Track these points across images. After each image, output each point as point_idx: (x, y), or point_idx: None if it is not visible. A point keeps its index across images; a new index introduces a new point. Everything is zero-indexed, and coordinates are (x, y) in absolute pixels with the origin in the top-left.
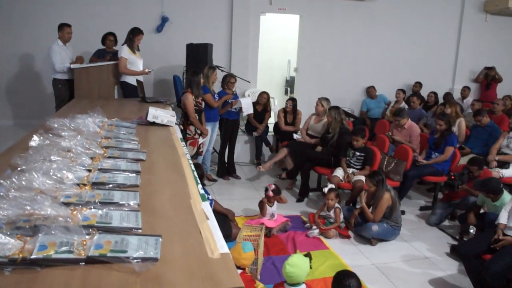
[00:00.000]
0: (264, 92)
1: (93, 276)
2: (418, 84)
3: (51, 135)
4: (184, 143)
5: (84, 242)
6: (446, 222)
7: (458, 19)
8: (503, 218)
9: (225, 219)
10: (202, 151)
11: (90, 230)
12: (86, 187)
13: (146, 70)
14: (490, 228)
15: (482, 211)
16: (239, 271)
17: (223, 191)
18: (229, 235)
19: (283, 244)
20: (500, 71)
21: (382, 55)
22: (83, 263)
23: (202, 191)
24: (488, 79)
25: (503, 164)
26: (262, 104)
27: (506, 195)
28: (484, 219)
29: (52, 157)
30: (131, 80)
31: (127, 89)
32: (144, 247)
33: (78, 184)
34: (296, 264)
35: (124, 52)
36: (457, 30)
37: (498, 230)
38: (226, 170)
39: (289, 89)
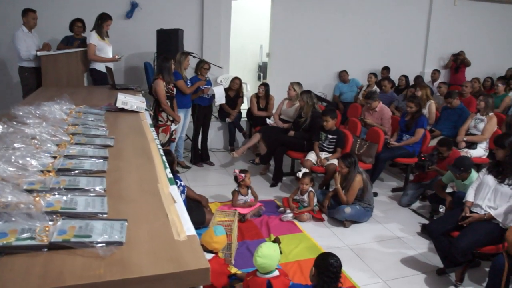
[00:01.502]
0: (236, 78)
1: (55, 262)
2: (386, 70)
3: (15, 123)
4: (153, 128)
5: (47, 228)
6: (418, 203)
7: (428, 4)
8: (470, 196)
9: (198, 206)
10: (174, 138)
11: (54, 216)
12: (51, 174)
13: (116, 57)
14: (459, 206)
15: (450, 190)
16: (212, 255)
17: (197, 178)
18: (202, 221)
19: (257, 228)
20: (469, 55)
21: (354, 39)
22: (45, 250)
23: (170, 175)
24: (457, 62)
25: (471, 145)
26: (235, 90)
27: (474, 173)
28: (453, 197)
29: (15, 145)
30: (101, 67)
31: (96, 76)
32: (109, 231)
33: (42, 171)
34: (266, 255)
35: (93, 38)
36: (427, 14)
37: (465, 208)
38: (200, 156)
39: (262, 74)
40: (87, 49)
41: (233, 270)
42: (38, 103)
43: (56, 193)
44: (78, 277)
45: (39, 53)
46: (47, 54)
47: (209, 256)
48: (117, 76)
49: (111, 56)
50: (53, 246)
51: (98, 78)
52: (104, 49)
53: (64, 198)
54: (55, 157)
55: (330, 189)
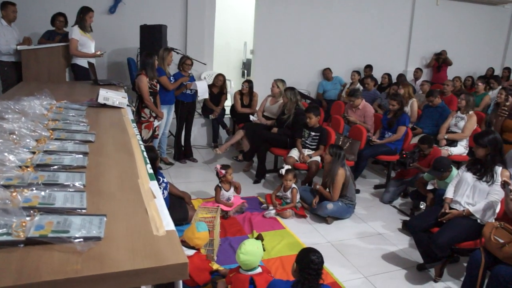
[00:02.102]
0: (220, 75)
1: (32, 258)
2: (368, 69)
3: None
4: (135, 124)
5: (24, 224)
6: (399, 200)
7: (411, 3)
8: (449, 193)
9: (181, 202)
10: (157, 134)
11: (31, 211)
12: (29, 169)
13: (98, 53)
14: (440, 203)
15: (431, 187)
16: (194, 251)
17: (180, 174)
18: (185, 218)
19: (240, 225)
20: (450, 55)
21: (338, 37)
22: (22, 245)
23: (150, 171)
24: (439, 61)
25: (451, 143)
26: (218, 86)
27: (454, 171)
28: (435, 195)
29: None
30: (83, 62)
31: (78, 71)
32: (88, 226)
33: (20, 166)
34: (249, 252)
35: (75, 33)
36: (410, 14)
37: (445, 204)
38: (183, 153)
39: (246, 71)
40: (69, 44)
41: (215, 266)
42: (17, 98)
43: (34, 189)
44: (55, 273)
45: (19, 47)
46: (27, 48)
47: (191, 252)
48: (99, 71)
49: (93, 51)
50: (29, 242)
51: (80, 74)
52: (87, 44)
53: (42, 193)
54: (34, 153)
55: (313, 186)
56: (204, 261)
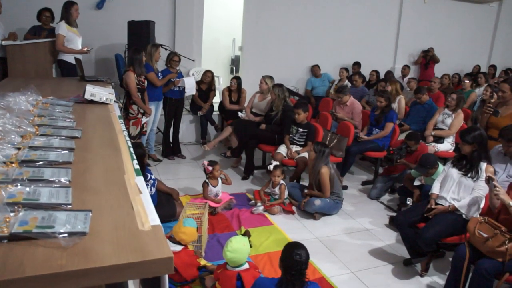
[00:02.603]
0: (208, 71)
1: (16, 253)
2: (356, 66)
3: None
4: (122, 120)
5: (8, 219)
6: (387, 196)
7: (399, 1)
8: (435, 188)
9: (169, 199)
10: (145, 131)
11: (16, 207)
12: (14, 165)
13: (85, 49)
14: (426, 199)
15: (418, 183)
16: (181, 247)
17: (168, 171)
18: (173, 214)
19: (228, 221)
20: (438, 52)
21: (327, 34)
22: (5, 241)
23: (137, 166)
24: (427, 58)
25: (438, 139)
26: (207, 83)
27: (440, 167)
28: (422, 191)
29: None
30: (69, 58)
31: (65, 67)
32: (73, 222)
33: (5, 162)
34: (236, 249)
35: (62, 29)
36: (398, 11)
37: (431, 200)
38: (171, 150)
39: (234, 68)
40: (56, 39)
41: (203, 262)
42: (2, 93)
43: (19, 184)
44: (38, 268)
45: (4, 42)
46: (13, 44)
47: (178, 248)
48: (87, 68)
49: (80, 47)
50: (13, 237)
51: (66, 70)
52: (74, 40)
53: (27, 189)
54: (19, 148)
55: (301, 183)
56: (192, 257)
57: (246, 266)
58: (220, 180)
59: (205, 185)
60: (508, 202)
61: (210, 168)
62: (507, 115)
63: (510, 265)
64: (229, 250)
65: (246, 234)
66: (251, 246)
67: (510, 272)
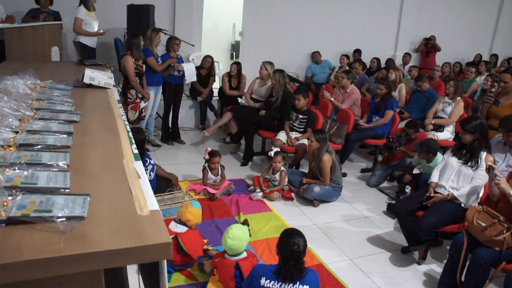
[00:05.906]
0: (208, 56)
1: (13, 237)
2: (357, 53)
3: None
4: (121, 105)
5: (5, 203)
6: (385, 183)
7: None
8: (434, 177)
9: (168, 184)
10: (144, 116)
11: (13, 191)
12: (11, 148)
13: (101, 31)
14: (424, 187)
15: (417, 171)
16: (186, 228)
17: (167, 156)
18: None
19: (226, 207)
20: (439, 40)
21: (328, 21)
22: (3, 225)
23: (136, 151)
24: (428, 47)
25: (438, 128)
26: (206, 68)
27: (439, 156)
28: (419, 179)
29: None
30: (90, 42)
31: (86, 51)
32: (71, 206)
33: (2, 146)
34: (236, 237)
35: (81, 13)
36: None
37: (430, 188)
38: (170, 135)
39: (234, 53)
40: (74, 22)
41: (209, 247)
42: (0, 77)
43: (17, 168)
44: (36, 252)
45: (1, 25)
46: (10, 26)
47: (184, 228)
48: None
49: (96, 29)
50: (11, 221)
51: (87, 54)
52: (91, 23)
53: (25, 173)
54: (17, 132)
55: (301, 170)
56: (198, 236)
57: (244, 254)
58: (220, 171)
59: (204, 171)
60: (509, 191)
61: (207, 156)
62: (507, 105)
63: (507, 254)
64: (230, 237)
65: (245, 223)
66: (250, 235)
67: (507, 261)
